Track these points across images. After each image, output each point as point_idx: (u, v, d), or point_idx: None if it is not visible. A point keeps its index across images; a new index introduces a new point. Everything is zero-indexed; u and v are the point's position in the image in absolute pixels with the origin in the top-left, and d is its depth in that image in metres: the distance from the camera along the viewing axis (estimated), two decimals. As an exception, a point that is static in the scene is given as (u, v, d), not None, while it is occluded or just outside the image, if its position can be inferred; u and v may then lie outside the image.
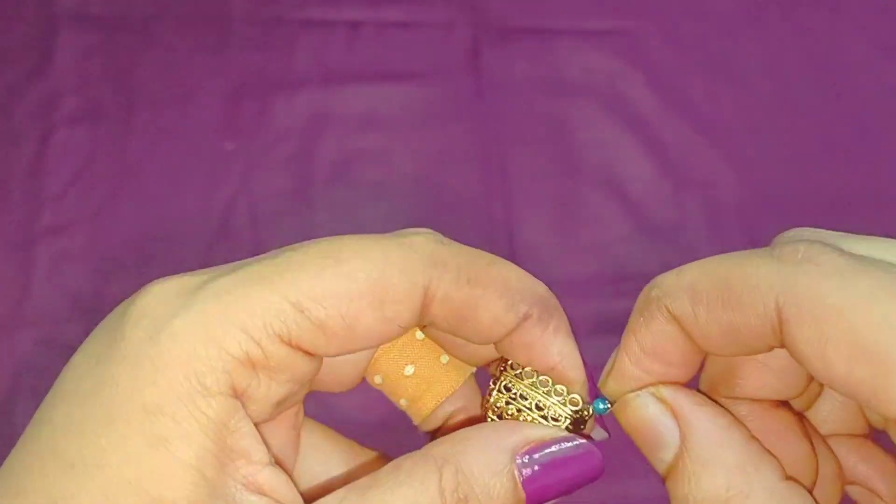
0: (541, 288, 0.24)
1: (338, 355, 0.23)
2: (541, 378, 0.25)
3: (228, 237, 0.44)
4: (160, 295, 0.22)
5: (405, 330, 0.23)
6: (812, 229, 0.25)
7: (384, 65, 0.48)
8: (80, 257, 0.44)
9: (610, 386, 0.24)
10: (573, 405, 0.24)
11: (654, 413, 0.23)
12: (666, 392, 0.24)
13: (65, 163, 0.46)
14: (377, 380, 0.27)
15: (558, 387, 0.25)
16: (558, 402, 0.25)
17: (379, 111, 0.47)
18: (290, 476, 0.22)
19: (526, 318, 0.24)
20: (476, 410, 0.27)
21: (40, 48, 0.48)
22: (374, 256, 0.23)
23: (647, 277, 0.47)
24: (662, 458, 0.23)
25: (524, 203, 0.45)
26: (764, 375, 0.24)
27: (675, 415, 0.23)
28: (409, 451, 0.24)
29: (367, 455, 0.27)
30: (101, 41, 0.48)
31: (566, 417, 0.24)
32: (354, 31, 0.49)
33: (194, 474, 0.21)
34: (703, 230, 0.45)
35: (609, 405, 0.25)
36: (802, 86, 0.48)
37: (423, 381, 0.27)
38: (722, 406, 0.24)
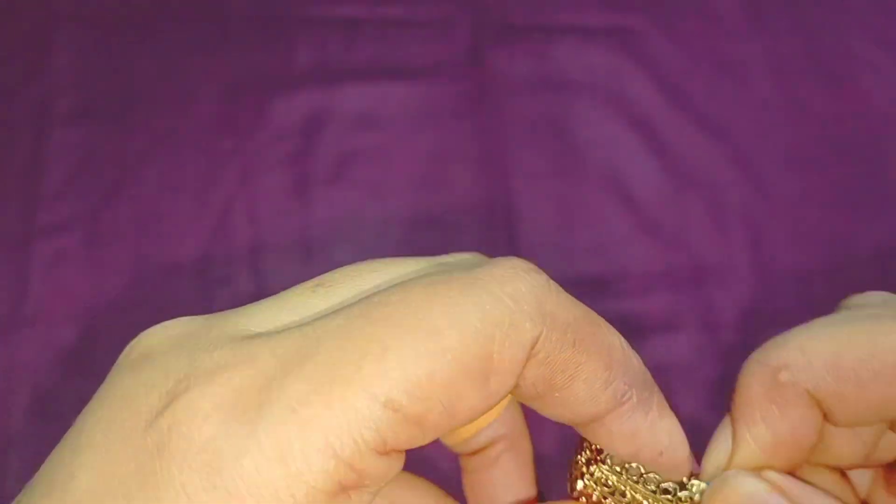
0: (640, 363, 0.21)
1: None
2: (628, 465, 0.22)
3: (226, 235, 0.44)
4: (209, 418, 0.17)
5: (506, 398, 0.20)
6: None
7: (384, 63, 0.48)
8: (78, 257, 0.44)
9: (732, 477, 0.22)
10: (666, 493, 0.22)
11: (760, 490, 0.21)
12: (772, 475, 0.22)
13: (62, 162, 0.45)
14: None
15: (652, 474, 0.22)
16: (653, 493, 0.22)
17: (378, 109, 0.47)
18: None
19: (624, 401, 0.20)
20: (518, 440, 0.25)
21: (37, 47, 0.47)
22: (472, 319, 0.18)
23: (648, 277, 0.47)
24: None
25: (525, 202, 0.45)
26: (853, 443, 0.23)
27: (785, 495, 0.21)
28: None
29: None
30: (98, 40, 0.48)
31: None
32: (354, 28, 0.48)
33: None
34: (705, 230, 0.45)
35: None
36: (806, 83, 0.48)
37: None
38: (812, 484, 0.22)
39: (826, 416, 0.22)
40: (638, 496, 0.22)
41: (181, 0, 0.49)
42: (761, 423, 0.21)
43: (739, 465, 0.22)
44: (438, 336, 0.17)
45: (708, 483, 0.22)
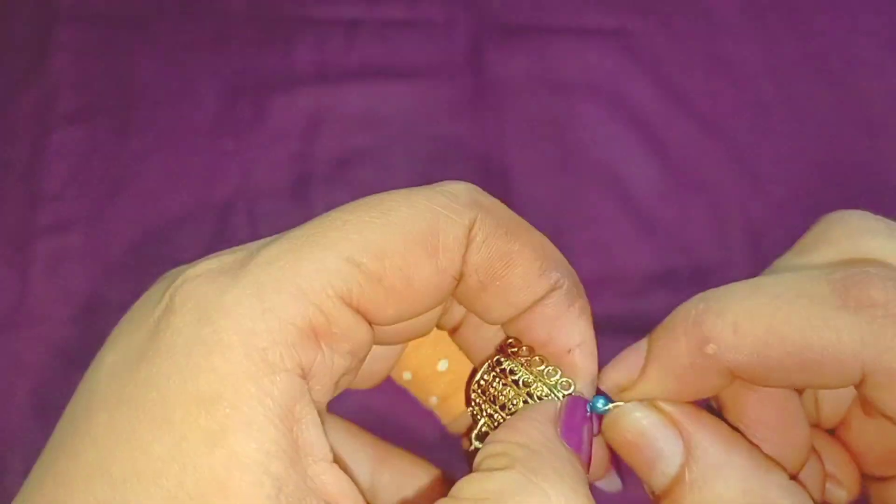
0: (568, 266, 0.24)
1: (399, 321, 0.21)
2: (535, 358, 0.24)
3: (227, 236, 0.44)
4: (203, 276, 0.20)
5: (455, 283, 0.22)
6: (860, 214, 0.23)
7: (384, 63, 0.48)
8: (78, 256, 0.44)
9: (626, 395, 0.23)
10: (564, 389, 0.23)
11: (653, 424, 0.23)
12: (665, 405, 0.23)
13: (62, 161, 0.45)
14: (406, 376, 0.26)
15: (550, 368, 0.23)
16: (550, 383, 0.23)
17: (378, 110, 0.47)
18: (352, 477, 0.20)
19: (556, 287, 0.23)
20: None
21: (38, 46, 0.48)
22: (420, 204, 0.22)
23: (647, 277, 0.47)
24: (663, 470, 0.22)
25: (524, 202, 0.45)
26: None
27: (677, 426, 0.22)
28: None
29: (393, 451, 0.26)
30: (99, 39, 0.48)
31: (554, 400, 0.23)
32: (354, 29, 0.48)
33: (260, 476, 0.18)
34: (705, 229, 0.45)
35: (609, 406, 0.23)
36: (805, 83, 0.48)
37: (456, 377, 0.26)
38: (716, 416, 0.23)
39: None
40: (527, 372, 0.23)
41: (181, 0, 0.49)
42: (674, 378, 0.23)
43: (638, 395, 0.23)
44: (392, 212, 0.21)
45: (603, 397, 0.23)
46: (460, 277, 0.22)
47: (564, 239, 0.45)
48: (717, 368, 0.22)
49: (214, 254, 0.22)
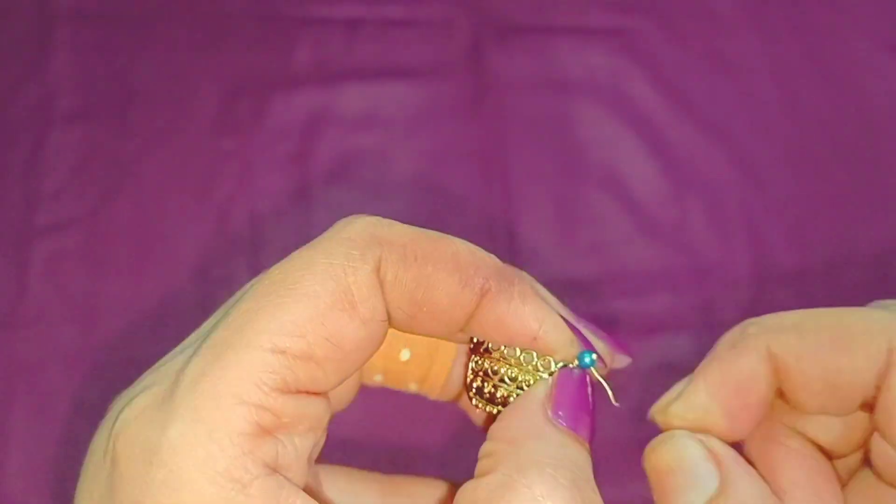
0: (493, 259, 0.23)
1: (343, 380, 0.21)
2: (507, 349, 0.23)
3: (226, 236, 0.44)
4: (139, 416, 0.20)
5: (386, 324, 0.22)
6: None
7: (384, 63, 0.48)
8: (77, 256, 0.44)
9: (673, 410, 0.23)
10: (545, 368, 0.23)
11: (697, 452, 0.22)
12: (715, 443, 0.23)
13: (61, 161, 0.45)
14: (377, 378, 0.26)
15: (525, 354, 0.23)
16: (530, 369, 0.23)
17: (379, 110, 0.47)
18: None
19: (484, 292, 0.22)
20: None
21: (36, 46, 0.47)
22: (322, 267, 0.21)
23: (647, 278, 0.47)
24: (693, 499, 0.22)
25: (525, 202, 0.45)
26: (831, 422, 0.24)
27: (718, 463, 0.22)
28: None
29: (398, 481, 0.26)
30: (97, 39, 0.48)
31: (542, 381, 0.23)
32: (354, 28, 0.48)
33: None
34: (705, 230, 0.45)
35: (594, 359, 0.23)
36: (806, 84, 0.48)
37: (423, 358, 0.26)
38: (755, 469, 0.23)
39: (784, 396, 0.22)
40: (505, 367, 0.23)
41: (181, 0, 0.49)
42: (716, 364, 0.23)
43: (686, 399, 0.23)
44: (297, 285, 0.21)
45: (587, 352, 0.23)
46: (388, 316, 0.22)
47: (564, 239, 0.45)
48: (755, 348, 0.22)
49: (141, 382, 0.21)
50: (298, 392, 0.20)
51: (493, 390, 0.24)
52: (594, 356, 0.23)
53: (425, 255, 0.22)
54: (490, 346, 0.24)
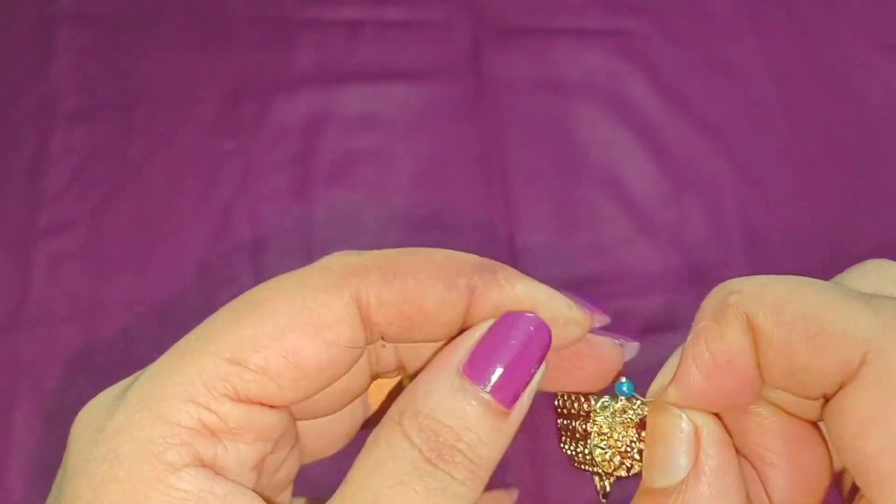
0: (472, 257, 0.23)
1: (304, 398, 0.22)
2: (572, 400, 0.24)
3: (227, 237, 0.44)
4: (98, 404, 0.22)
5: (356, 351, 0.22)
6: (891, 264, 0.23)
7: (384, 64, 0.48)
8: (79, 257, 0.44)
9: (671, 395, 0.23)
10: (619, 402, 0.24)
11: (681, 429, 0.23)
12: (706, 421, 0.23)
13: (64, 162, 0.45)
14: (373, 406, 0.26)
15: (604, 401, 0.24)
16: (600, 408, 0.24)
17: (379, 111, 0.47)
18: None
19: (472, 289, 0.22)
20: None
21: (40, 47, 0.48)
22: (291, 287, 0.22)
23: (647, 278, 0.47)
24: (669, 471, 0.22)
25: (524, 203, 0.45)
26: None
27: (700, 443, 0.22)
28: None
29: None
30: (100, 40, 0.48)
31: (632, 416, 0.24)
32: (354, 30, 0.48)
33: None
34: (704, 230, 0.45)
35: (633, 384, 0.24)
36: (804, 85, 0.48)
37: (404, 366, 0.26)
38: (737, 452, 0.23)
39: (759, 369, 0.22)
40: (600, 424, 0.24)
41: (183, 1, 0.49)
42: (702, 341, 0.23)
43: (681, 384, 0.23)
44: (264, 303, 0.22)
45: (627, 383, 0.24)
46: (368, 343, 0.23)
47: (563, 239, 0.46)
48: (736, 317, 0.22)
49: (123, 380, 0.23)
50: (250, 402, 0.21)
51: (597, 443, 0.24)
52: (632, 384, 0.24)
53: (404, 271, 0.22)
54: (565, 403, 0.24)
